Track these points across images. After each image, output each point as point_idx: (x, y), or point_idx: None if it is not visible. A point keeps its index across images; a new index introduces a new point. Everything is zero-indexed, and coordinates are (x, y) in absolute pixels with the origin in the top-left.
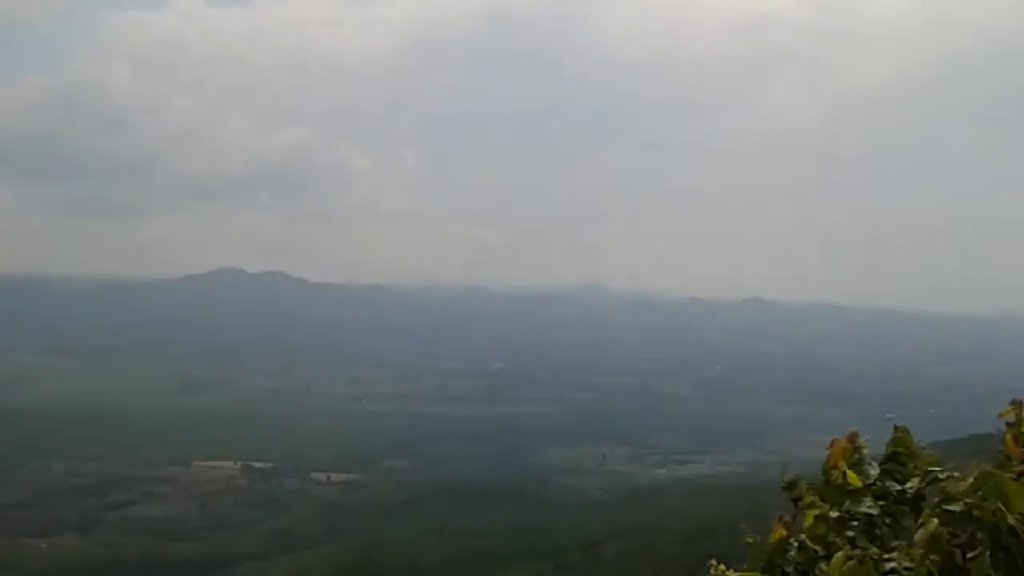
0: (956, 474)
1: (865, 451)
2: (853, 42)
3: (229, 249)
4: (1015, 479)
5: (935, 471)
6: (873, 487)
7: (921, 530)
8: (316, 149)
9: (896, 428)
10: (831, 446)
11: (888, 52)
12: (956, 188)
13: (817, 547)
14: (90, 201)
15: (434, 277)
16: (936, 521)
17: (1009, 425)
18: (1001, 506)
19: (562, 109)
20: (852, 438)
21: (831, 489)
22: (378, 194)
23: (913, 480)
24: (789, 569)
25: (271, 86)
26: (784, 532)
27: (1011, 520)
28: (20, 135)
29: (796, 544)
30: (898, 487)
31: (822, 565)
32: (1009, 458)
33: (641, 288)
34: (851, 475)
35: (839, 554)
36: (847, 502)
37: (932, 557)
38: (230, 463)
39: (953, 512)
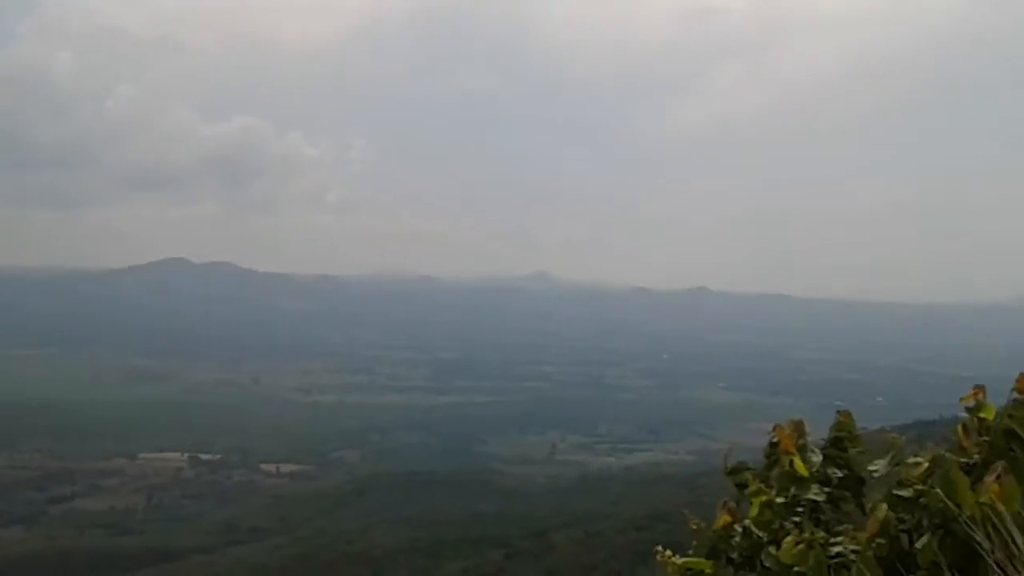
0: (918, 459)
1: (809, 438)
2: (799, 34)
3: (175, 239)
4: (964, 469)
5: (902, 454)
6: (816, 473)
7: (871, 515)
8: (264, 138)
9: (839, 413)
10: (773, 432)
11: (834, 44)
12: (905, 179)
13: (762, 533)
14: (34, 190)
15: (383, 267)
16: (885, 507)
17: (969, 410)
18: (946, 499)
19: (511, 98)
20: (796, 425)
21: (778, 476)
22: (327, 183)
23: (879, 462)
24: (734, 555)
25: (218, 73)
26: (728, 518)
27: (961, 513)
28: None
29: (740, 530)
30: (839, 473)
31: (769, 549)
32: (962, 445)
33: (588, 278)
34: (798, 463)
35: (789, 538)
36: (793, 488)
37: (879, 541)
38: (177, 455)
39: (903, 497)
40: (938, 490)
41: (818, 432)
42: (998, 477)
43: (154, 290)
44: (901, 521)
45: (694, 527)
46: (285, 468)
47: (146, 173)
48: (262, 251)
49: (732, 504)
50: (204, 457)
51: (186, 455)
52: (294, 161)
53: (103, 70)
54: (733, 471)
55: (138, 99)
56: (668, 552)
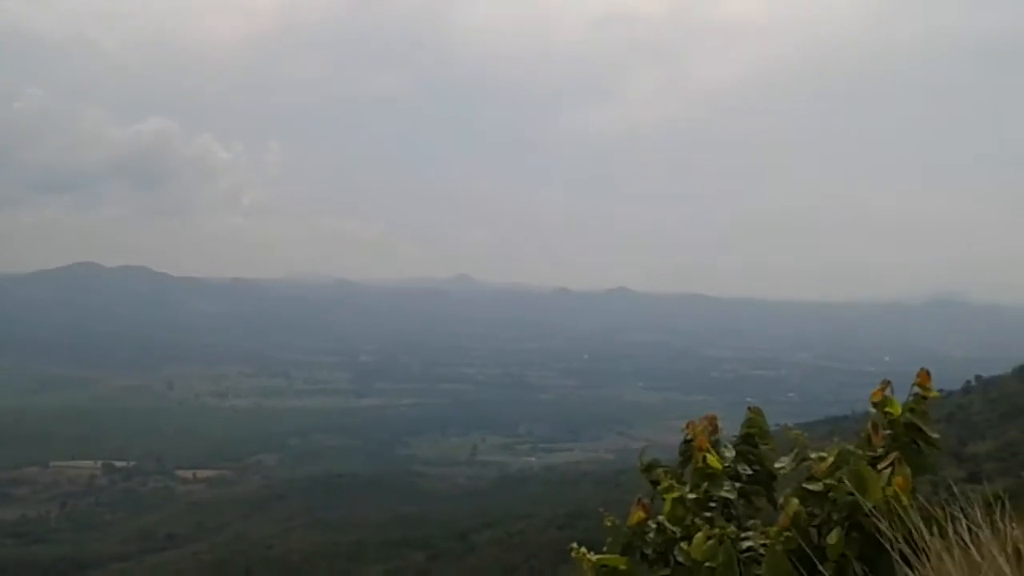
0: (824, 454)
1: (722, 434)
2: (713, 38)
3: (85, 242)
4: (870, 464)
5: (806, 451)
6: (727, 469)
7: (783, 509)
8: (176, 140)
9: (750, 409)
10: (686, 428)
11: (747, 47)
12: (814, 181)
13: (675, 528)
14: None
15: (301, 270)
16: (796, 501)
17: (876, 405)
18: (854, 492)
19: (428, 101)
20: (711, 421)
21: (691, 472)
22: (242, 186)
23: (784, 459)
24: (648, 551)
25: (130, 74)
26: (642, 514)
27: (868, 506)
28: None
29: (654, 526)
30: (749, 470)
31: (681, 544)
32: (869, 440)
33: (509, 280)
34: (711, 459)
35: (699, 534)
36: (705, 484)
37: (787, 534)
38: (91, 462)
39: (812, 491)
40: (846, 483)
41: (732, 429)
42: (891, 467)
43: (64, 295)
44: (811, 515)
45: (609, 524)
46: (202, 474)
47: (55, 175)
48: (176, 254)
49: (647, 500)
50: (118, 464)
51: (100, 462)
52: (208, 163)
53: (8, 70)
54: (647, 468)
55: (46, 100)
56: (583, 549)
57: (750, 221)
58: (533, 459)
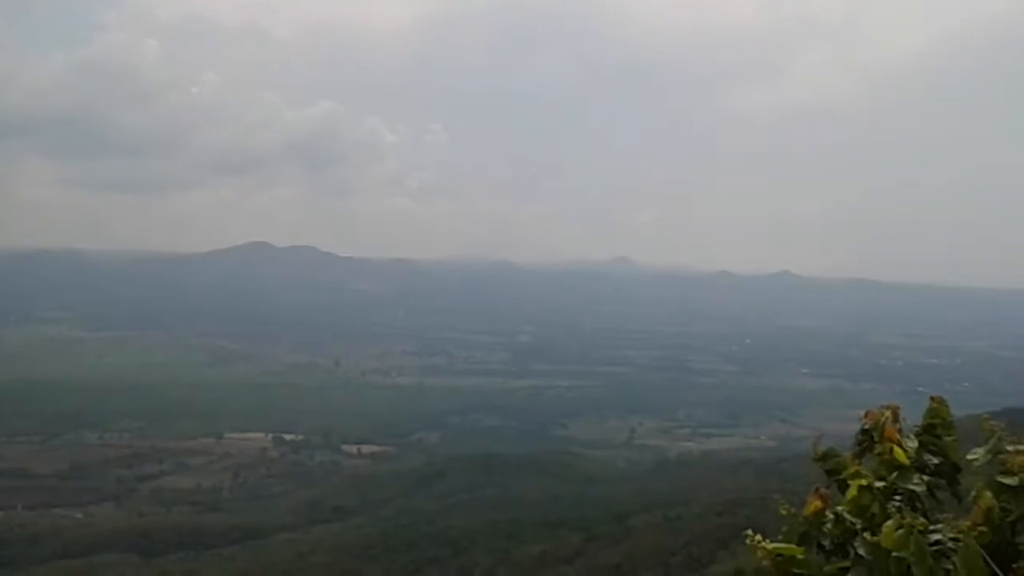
0: (1020, 447)
1: (904, 424)
2: (886, 12)
3: (258, 223)
4: None
5: (1002, 443)
6: (913, 461)
7: (976, 503)
8: (344, 123)
9: (932, 399)
10: (864, 417)
11: (922, 21)
12: (992, 162)
13: (855, 520)
14: (121, 176)
15: (462, 251)
16: (989, 494)
17: None
18: None
19: (589, 82)
20: (894, 411)
21: (877, 463)
22: (406, 168)
23: (977, 451)
24: (825, 542)
25: (299, 59)
26: (820, 504)
27: None
28: (52, 111)
29: (832, 516)
30: (936, 461)
31: (864, 535)
32: None
33: (669, 262)
34: (897, 451)
35: (889, 522)
36: (892, 476)
37: (981, 529)
38: (261, 435)
39: (1007, 486)
40: None
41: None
42: None
43: (237, 274)
44: (1004, 511)
45: (784, 513)
46: (366, 449)
47: (230, 158)
48: (343, 235)
49: (825, 490)
50: (288, 437)
51: (270, 435)
52: (374, 146)
53: (188, 58)
54: (824, 457)
55: (222, 86)
56: (758, 537)
57: (922, 204)
58: (692, 444)
